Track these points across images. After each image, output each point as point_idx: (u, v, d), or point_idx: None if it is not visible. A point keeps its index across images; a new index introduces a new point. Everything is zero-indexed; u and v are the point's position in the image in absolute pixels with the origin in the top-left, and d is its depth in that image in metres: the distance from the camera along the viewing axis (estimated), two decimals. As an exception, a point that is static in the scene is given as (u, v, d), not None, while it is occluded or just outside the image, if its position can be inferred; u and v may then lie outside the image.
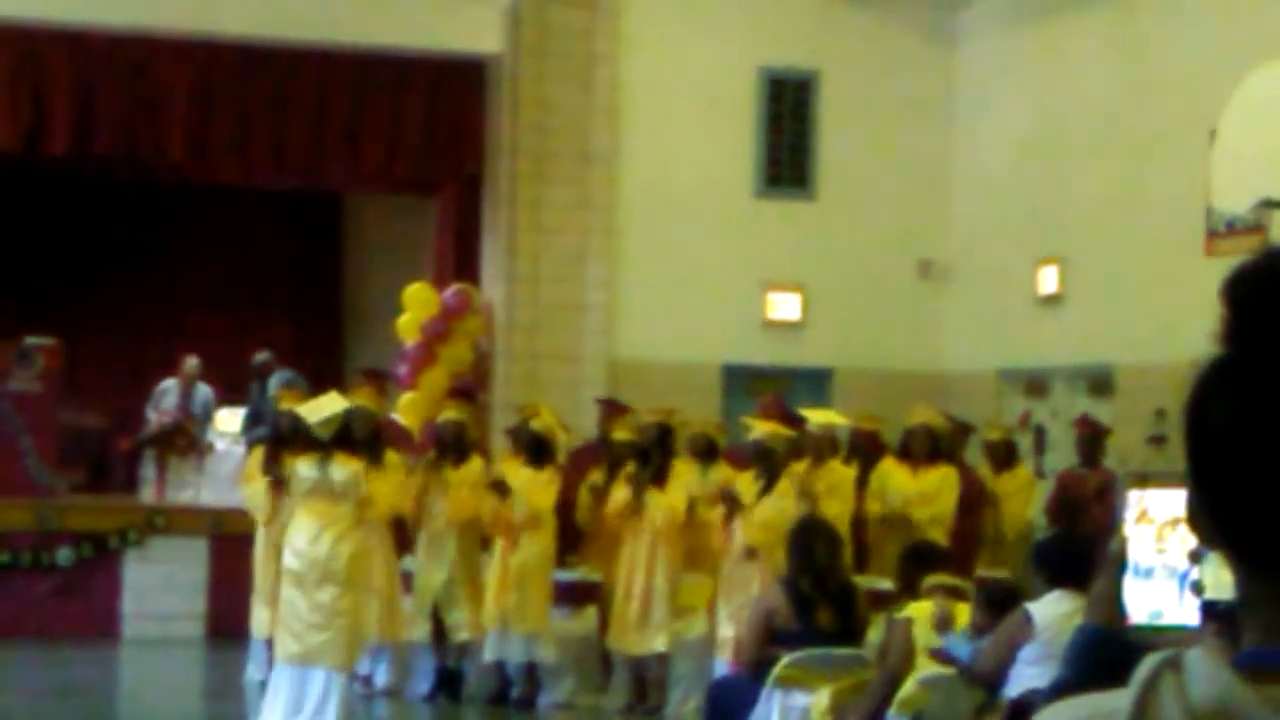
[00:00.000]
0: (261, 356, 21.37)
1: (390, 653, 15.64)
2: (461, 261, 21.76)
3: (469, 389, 19.53)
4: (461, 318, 20.59)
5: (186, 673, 18.10)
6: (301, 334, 24.84)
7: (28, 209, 23.91)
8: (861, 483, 15.89)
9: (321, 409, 13.48)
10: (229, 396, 21.45)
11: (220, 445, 20.94)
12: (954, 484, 16.01)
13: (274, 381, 19.60)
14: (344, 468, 13.07)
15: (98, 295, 24.16)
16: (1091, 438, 17.26)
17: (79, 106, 20.22)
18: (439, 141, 21.45)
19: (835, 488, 15.00)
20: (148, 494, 20.65)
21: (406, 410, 19.50)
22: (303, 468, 13.19)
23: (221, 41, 20.44)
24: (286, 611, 13.09)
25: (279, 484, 14.08)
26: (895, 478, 16.08)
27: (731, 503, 14.25)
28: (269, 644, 14.98)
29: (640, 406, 16.69)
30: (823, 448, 15.13)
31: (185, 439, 20.89)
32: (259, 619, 15.16)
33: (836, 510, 14.45)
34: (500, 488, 15.06)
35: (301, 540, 13.04)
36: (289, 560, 13.10)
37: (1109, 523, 15.69)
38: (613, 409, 17.53)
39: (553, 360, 20.80)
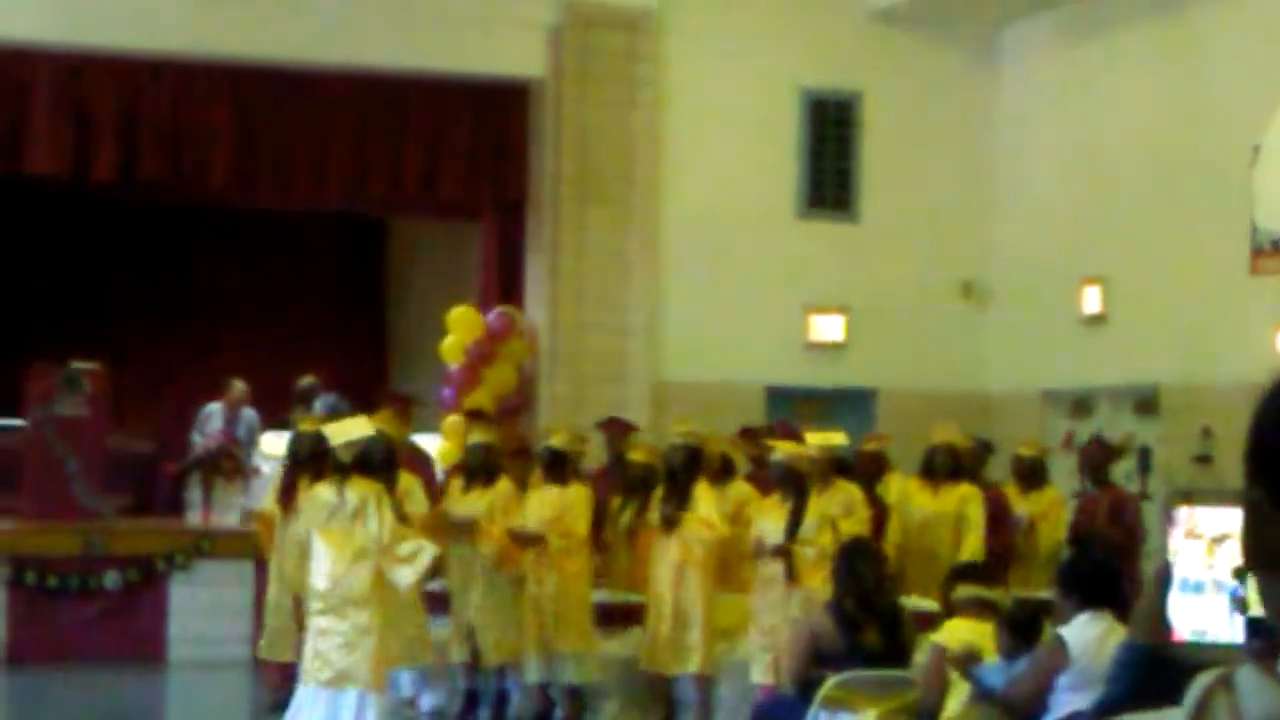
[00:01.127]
0: (306, 381, 21.38)
1: (434, 675, 15.67)
2: (505, 284, 21.79)
3: (485, 411, 19.43)
4: (505, 340, 20.62)
5: (233, 696, 18.12)
6: (346, 358, 24.89)
7: (74, 234, 24.04)
8: (870, 502, 15.72)
9: (347, 432, 13.51)
10: (274, 420, 21.48)
11: (266, 469, 20.94)
12: (979, 503, 15.90)
13: (318, 406, 19.63)
14: (359, 491, 13.10)
15: (143, 320, 24.27)
16: (1099, 458, 17.04)
17: (123, 133, 20.30)
18: (482, 165, 21.49)
19: (849, 507, 14.93)
20: (193, 518, 20.68)
21: (451, 433, 19.52)
22: (323, 492, 13.22)
23: (263, 67, 20.51)
24: (315, 635, 13.13)
25: (286, 510, 14.08)
26: (916, 497, 16.01)
27: (762, 550, 14.22)
28: (261, 664, 15.08)
29: (666, 427, 16.67)
30: (826, 470, 15.03)
31: (231, 462, 20.91)
32: (270, 642, 15.25)
33: (853, 530, 14.35)
34: (522, 538, 15.07)
35: (327, 563, 13.09)
36: (318, 583, 13.13)
37: (1128, 543, 15.64)
38: (619, 428, 17.51)
39: (596, 382, 20.80)
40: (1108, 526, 16.11)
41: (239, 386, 21.45)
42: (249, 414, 21.41)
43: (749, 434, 17.44)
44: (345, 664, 12.97)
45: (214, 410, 21.36)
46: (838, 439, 15.65)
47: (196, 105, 20.53)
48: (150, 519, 20.96)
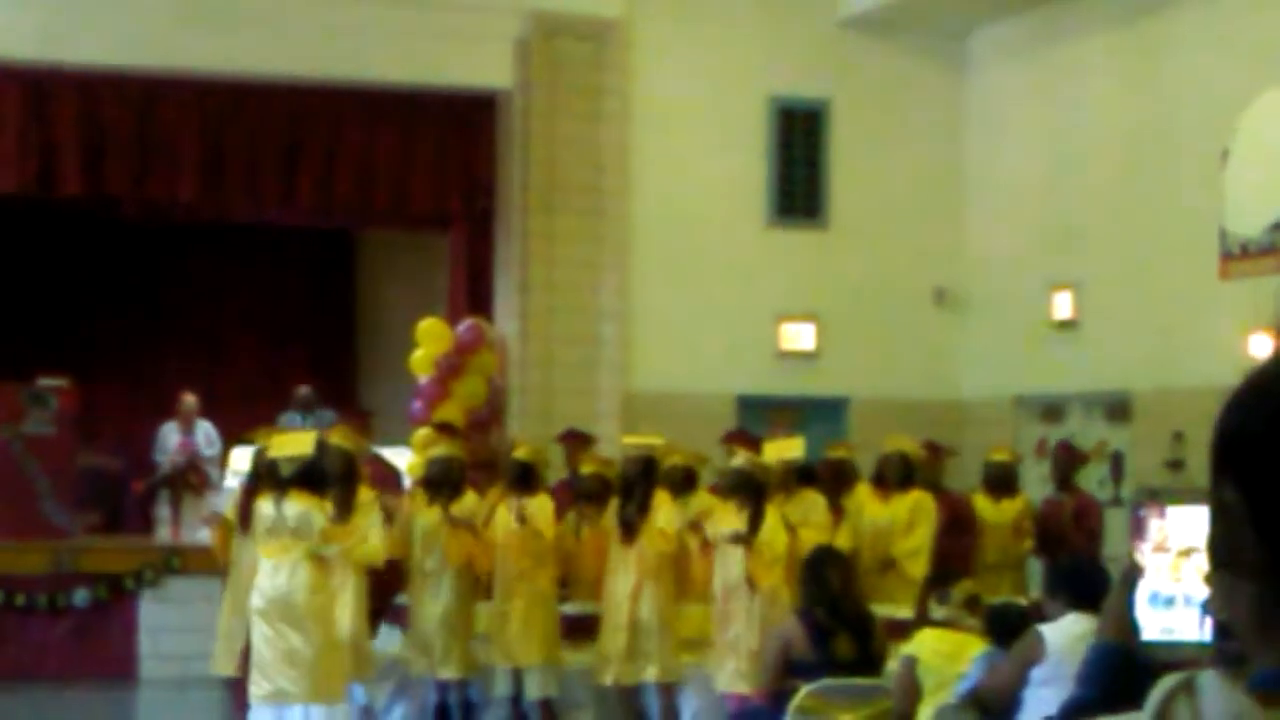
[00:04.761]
0: (304, 391, 21.29)
1: (409, 689, 15.59)
2: (474, 296, 21.74)
3: (453, 424, 19.36)
4: (475, 353, 20.55)
5: (204, 714, 18.02)
6: (315, 371, 24.81)
7: (40, 250, 23.94)
8: (834, 510, 15.70)
9: (288, 446, 13.54)
10: (240, 436, 21.37)
11: (235, 484, 20.83)
12: (929, 510, 15.86)
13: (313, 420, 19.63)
14: (296, 505, 13.08)
15: (111, 335, 24.16)
16: (1066, 462, 17.09)
17: (89, 147, 20.23)
18: (450, 177, 21.45)
19: (808, 514, 14.90)
20: (163, 534, 20.62)
21: (420, 446, 19.44)
22: (264, 506, 13.24)
23: (231, 80, 20.46)
24: (256, 651, 13.12)
25: (244, 524, 13.96)
26: (868, 506, 15.97)
27: (722, 538, 14.16)
28: (228, 683, 14.94)
29: (621, 436, 16.64)
30: (788, 479, 14.99)
31: (198, 477, 20.88)
32: (217, 655, 15.09)
33: (813, 538, 14.30)
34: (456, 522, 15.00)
35: (263, 578, 13.11)
36: (254, 599, 13.16)
37: (1088, 547, 15.66)
38: (576, 440, 17.45)
39: (566, 394, 20.76)
40: (1072, 531, 16.15)
41: (189, 400, 21.44)
42: (204, 425, 21.40)
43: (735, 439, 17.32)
44: (284, 681, 12.95)
45: (170, 428, 21.34)
46: (794, 450, 15.61)
47: (163, 119, 20.47)
48: (120, 536, 20.87)
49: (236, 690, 14.98)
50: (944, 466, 17.30)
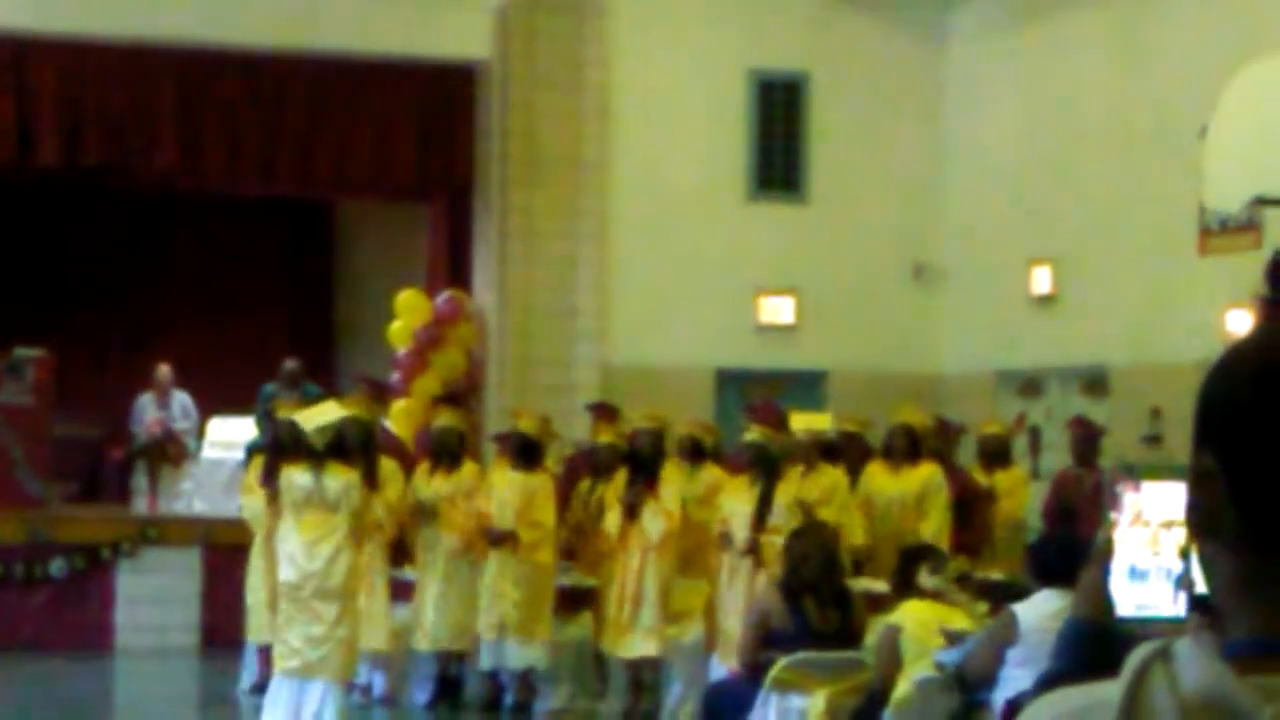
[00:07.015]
0: (291, 364, 21.14)
1: (388, 662, 15.60)
2: (453, 268, 21.73)
3: (458, 394, 19.46)
4: (453, 324, 20.57)
5: (180, 684, 18.05)
6: (293, 342, 24.72)
7: (17, 219, 23.85)
8: (852, 486, 15.73)
9: (317, 417, 13.47)
10: (218, 406, 21.30)
11: (213, 455, 20.80)
12: (940, 484, 15.84)
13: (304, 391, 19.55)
14: (337, 478, 13.04)
15: (88, 305, 24.08)
16: (1086, 439, 17.16)
17: (68, 116, 20.17)
18: (429, 148, 21.42)
19: (830, 493, 14.90)
20: (140, 505, 20.59)
21: (399, 418, 19.44)
22: (297, 477, 13.16)
23: (210, 50, 20.40)
24: (284, 625, 13.07)
25: (275, 495, 13.99)
26: (876, 479, 15.96)
27: (729, 543, 14.17)
28: (264, 650, 14.93)
29: (631, 411, 16.63)
30: (811, 454, 14.99)
31: (176, 447, 20.85)
32: (256, 625, 15.14)
33: (834, 516, 14.33)
34: (495, 536, 15.04)
35: (297, 552, 13.03)
36: (285, 572, 13.09)
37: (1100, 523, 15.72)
38: (604, 413, 17.47)
39: (545, 366, 20.76)
40: (1090, 507, 16.13)
41: (164, 370, 21.43)
42: (180, 396, 21.36)
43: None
44: (314, 657, 12.93)
45: (146, 400, 21.31)
46: (823, 422, 15.64)
47: (141, 89, 20.41)
48: (97, 506, 20.84)
49: (266, 655, 14.89)
50: (956, 443, 17.28)
